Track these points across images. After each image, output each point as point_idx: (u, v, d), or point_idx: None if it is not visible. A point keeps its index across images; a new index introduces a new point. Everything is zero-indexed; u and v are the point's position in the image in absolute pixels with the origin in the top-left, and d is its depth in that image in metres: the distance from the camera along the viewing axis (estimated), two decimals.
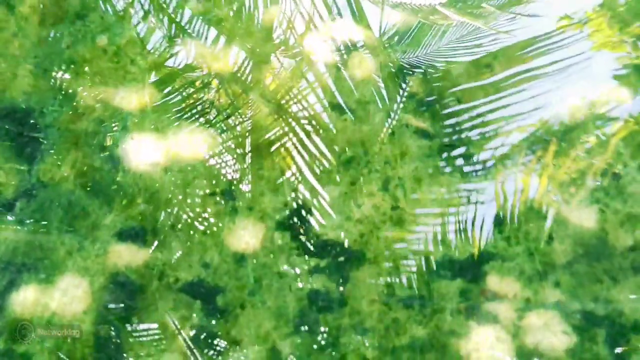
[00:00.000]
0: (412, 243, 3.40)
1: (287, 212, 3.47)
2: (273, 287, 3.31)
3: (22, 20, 3.99)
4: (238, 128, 3.69)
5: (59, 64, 3.84)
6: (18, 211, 3.47)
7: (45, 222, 3.43)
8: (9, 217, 3.45)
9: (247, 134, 3.67)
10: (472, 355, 3.15)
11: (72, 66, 3.84)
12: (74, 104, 3.73)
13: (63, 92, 3.77)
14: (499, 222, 3.40)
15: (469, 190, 3.47)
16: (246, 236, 3.41)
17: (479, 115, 3.66)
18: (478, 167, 3.53)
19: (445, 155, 3.57)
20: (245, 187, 3.53)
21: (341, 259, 3.36)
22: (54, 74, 3.81)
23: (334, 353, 3.18)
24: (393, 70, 3.79)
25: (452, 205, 3.46)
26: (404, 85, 3.74)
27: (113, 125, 3.67)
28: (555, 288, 3.27)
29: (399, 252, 3.38)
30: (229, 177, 3.55)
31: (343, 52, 3.87)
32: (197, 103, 3.74)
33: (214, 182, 3.54)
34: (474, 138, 3.60)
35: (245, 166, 3.57)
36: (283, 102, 3.73)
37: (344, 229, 3.42)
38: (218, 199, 3.49)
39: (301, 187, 3.53)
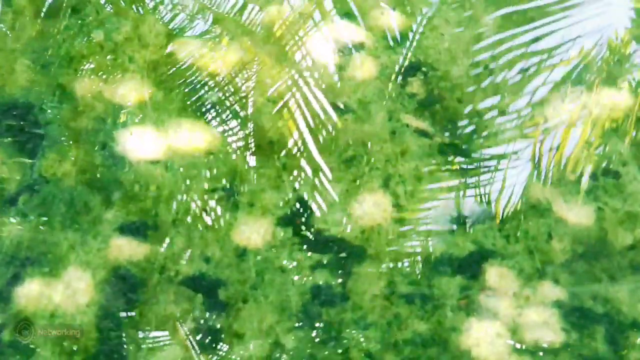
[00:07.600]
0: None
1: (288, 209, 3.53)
2: (275, 281, 3.36)
3: (18, 12, 3.98)
4: (243, 88, 3.74)
5: (56, 59, 3.85)
6: (21, 205, 3.50)
7: (48, 217, 3.47)
8: (13, 212, 3.48)
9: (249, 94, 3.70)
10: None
11: (70, 62, 3.85)
12: (73, 100, 3.76)
13: (61, 89, 3.79)
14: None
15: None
16: (247, 231, 3.46)
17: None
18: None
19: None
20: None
21: (343, 254, 3.42)
22: (51, 69, 3.83)
23: (336, 347, 3.25)
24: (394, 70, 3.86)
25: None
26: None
27: (112, 122, 3.71)
28: None
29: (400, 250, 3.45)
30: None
31: (344, 53, 3.92)
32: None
33: (214, 174, 3.59)
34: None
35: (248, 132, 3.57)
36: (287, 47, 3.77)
37: (345, 225, 3.49)
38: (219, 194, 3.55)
39: (303, 163, 3.56)
